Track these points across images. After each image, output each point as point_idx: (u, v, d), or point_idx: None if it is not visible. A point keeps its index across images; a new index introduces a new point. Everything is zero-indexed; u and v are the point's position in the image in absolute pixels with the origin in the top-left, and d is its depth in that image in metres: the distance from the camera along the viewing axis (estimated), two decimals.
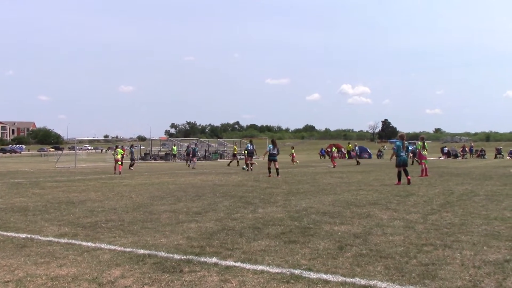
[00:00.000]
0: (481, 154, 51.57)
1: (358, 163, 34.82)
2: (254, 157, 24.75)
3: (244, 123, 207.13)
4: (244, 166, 27.26)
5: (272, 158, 21.32)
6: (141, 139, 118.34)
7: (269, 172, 20.85)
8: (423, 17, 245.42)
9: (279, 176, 20.36)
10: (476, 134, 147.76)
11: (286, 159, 38.21)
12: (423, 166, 20.07)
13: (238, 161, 35.95)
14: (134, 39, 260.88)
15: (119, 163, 25.98)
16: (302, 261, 5.48)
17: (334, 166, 30.56)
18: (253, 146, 27.68)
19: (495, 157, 49.98)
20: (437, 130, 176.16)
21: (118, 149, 26.72)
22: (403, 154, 16.36)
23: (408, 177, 15.85)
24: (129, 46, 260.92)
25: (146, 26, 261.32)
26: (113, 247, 6.36)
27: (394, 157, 16.56)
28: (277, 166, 20.94)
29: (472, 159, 46.55)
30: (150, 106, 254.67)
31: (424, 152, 20.63)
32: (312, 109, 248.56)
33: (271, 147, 21.86)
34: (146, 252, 6.01)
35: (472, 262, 5.31)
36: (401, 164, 16.21)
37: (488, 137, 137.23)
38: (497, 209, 9.57)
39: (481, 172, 22.26)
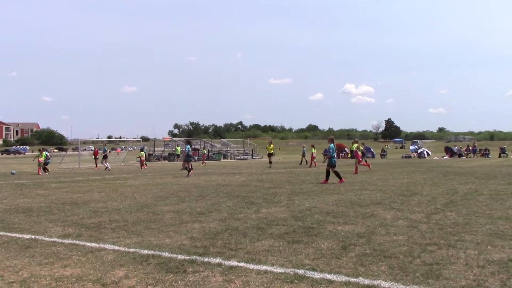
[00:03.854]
0: (485, 153, 51.41)
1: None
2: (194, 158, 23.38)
3: (247, 123, 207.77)
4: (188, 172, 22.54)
5: (188, 159, 22.40)
6: (145, 139, 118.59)
7: (188, 172, 22.04)
8: (427, 15, 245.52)
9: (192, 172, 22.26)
10: (480, 133, 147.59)
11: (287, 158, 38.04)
12: (362, 163, 23.07)
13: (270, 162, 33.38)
14: (137, 39, 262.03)
15: (41, 164, 27.27)
16: (305, 261, 5.48)
17: (312, 166, 30.64)
18: (191, 147, 24.51)
19: (499, 156, 49.79)
20: (441, 130, 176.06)
21: (43, 152, 28.11)
22: (335, 155, 17.58)
23: (343, 179, 16.73)
24: (132, 46, 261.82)
25: (149, 26, 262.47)
26: (117, 247, 6.37)
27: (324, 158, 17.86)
28: (191, 167, 22.27)
29: (476, 158, 46.41)
30: (153, 107, 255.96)
31: (360, 152, 23.92)
32: (315, 109, 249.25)
33: (189, 148, 22.76)
34: (150, 252, 6.02)
35: (476, 262, 5.30)
36: (334, 165, 17.02)
37: (492, 136, 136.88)
38: (501, 208, 9.54)
39: (485, 171, 22.20)
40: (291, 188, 14.63)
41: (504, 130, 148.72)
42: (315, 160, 32.06)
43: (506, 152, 52.14)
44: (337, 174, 16.89)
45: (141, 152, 33.88)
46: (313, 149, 33.21)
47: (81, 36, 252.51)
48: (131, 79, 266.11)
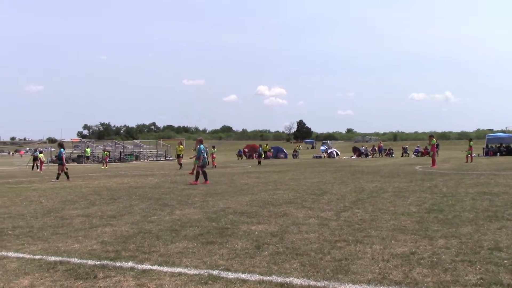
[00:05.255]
0: (389, 153, 54.31)
1: (259, 163, 36.61)
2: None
3: (160, 124, 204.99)
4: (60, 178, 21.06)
5: (61, 162, 20.98)
6: (52, 141, 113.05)
7: (68, 176, 20.66)
8: (338, 21, 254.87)
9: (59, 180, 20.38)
10: (384, 134, 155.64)
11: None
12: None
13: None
14: (43, 35, 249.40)
15: None
16: (220, 261, 5.49)
17: (214, 167, 31.59)
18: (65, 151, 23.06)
19: (402, 156, 52.82)
20: (349, 130, 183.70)
21: None
22: (206, 156, 17.96)
23: (208, 181, 17.00)
24: (37, 42, 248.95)
25: (57, 21, 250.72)
26: (21, 255, 6.02)
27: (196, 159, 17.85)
28: (60, 171, 20.87)
29: (381, 158, 48.84)
30: (61, 107, 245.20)
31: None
32: (229, 110, 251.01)
33: (63, 152, 21.46)
34: (58, 259, 5.75)
35: (382, 256, 5.57)
36: (205, 165, 17.51)
37: (395, 136, 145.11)
38: (403, 204, 10.10)
39: (389, 170, 23.42)
40: (205, 189, 14.59)
41: (406, 131, 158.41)
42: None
43: (407, 151, 55.41)
44: (204, 174, 17.19)
45: (40, 154, 32.94)
46: (213, 149, 33.95)
47: None
48: (36, 78, 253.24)
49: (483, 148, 48.62)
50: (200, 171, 17.34)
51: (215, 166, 31.79)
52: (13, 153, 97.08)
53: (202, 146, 17.72)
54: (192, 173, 17.23)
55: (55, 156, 23.18)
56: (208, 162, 33.56)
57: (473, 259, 5.32)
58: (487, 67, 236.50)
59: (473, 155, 34.27)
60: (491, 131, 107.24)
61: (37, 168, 33.31)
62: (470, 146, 32.16)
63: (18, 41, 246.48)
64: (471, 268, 4.98)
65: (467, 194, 11.71)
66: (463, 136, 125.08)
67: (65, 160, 21.46)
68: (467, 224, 7.57)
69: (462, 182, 15.40)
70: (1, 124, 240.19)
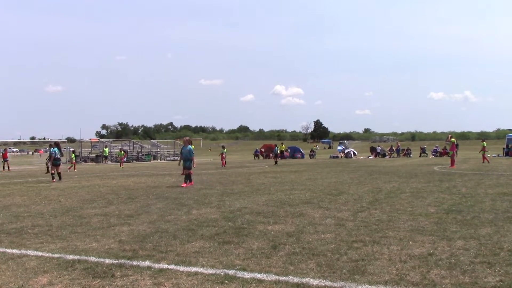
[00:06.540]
0: (407, 153, 53.84)
1: (276, 163, 36.63)
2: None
3: (177, 124, 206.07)
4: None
5: (56, 163, 20.60)
6: (71, 140, 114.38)
7: (53, 177, 20.25)
8: (354, 21, 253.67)
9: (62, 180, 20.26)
10: (402, 134, 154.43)
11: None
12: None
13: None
14: (63, 35, 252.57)
15: None
16: (236, 261, 5.50)
17: (223, 166, 32.30)
18: (60, 150, 21.80)
19: (420, 156, 52.31)
20: (366, 130, 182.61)
21: None
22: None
23: (192, 183, 16.39)
24: (57, 44, 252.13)
25: (75, 23, 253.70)
26: (40, 253, 6.10)
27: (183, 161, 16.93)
28: (59, 171, 20.59)
29: (399, 158, 48.43)
30: (80, 107, 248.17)
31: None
32: (246, 110, 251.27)
33: (57, 151, 20.88)
34: (76, 257, 5.81)
35: (399, 257, 5.53)
36: (189, 168, 16.57)
37: (413, 136, 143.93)
38: (421, 205, 10.01)
39: (407, 170, 23.22)
40: (222, 189, 14.63)
41: (424, 131, 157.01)
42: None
43: (426, 151, 54.87)
44: (188, 176, 16.40)
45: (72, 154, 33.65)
46: (223, 149, 34.37)
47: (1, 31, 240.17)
48: (55, 78, 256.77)
49: (503, 148, 47.81)
50: (186, 173, 16.52)
51: (225, 166, 32.25)
52: (32, 153, 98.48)
53: (190, 146, 16.94)
54: (183, 174, 16.91)
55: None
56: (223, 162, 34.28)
57: (493, 261, 5.25)
58: (507, 67, 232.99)
59: (493, 155, 33.82)
60: None
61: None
62: (483, 146, 31.77)
63: (37, 41, 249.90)
64: (490, 270, 4.91)
65: (486, 195, 11.57)
66: (483, 136, 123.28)
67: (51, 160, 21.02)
68: (486, 225, 7.48)
69: (481, 182, 15.22)
70: (21, 123, 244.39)
